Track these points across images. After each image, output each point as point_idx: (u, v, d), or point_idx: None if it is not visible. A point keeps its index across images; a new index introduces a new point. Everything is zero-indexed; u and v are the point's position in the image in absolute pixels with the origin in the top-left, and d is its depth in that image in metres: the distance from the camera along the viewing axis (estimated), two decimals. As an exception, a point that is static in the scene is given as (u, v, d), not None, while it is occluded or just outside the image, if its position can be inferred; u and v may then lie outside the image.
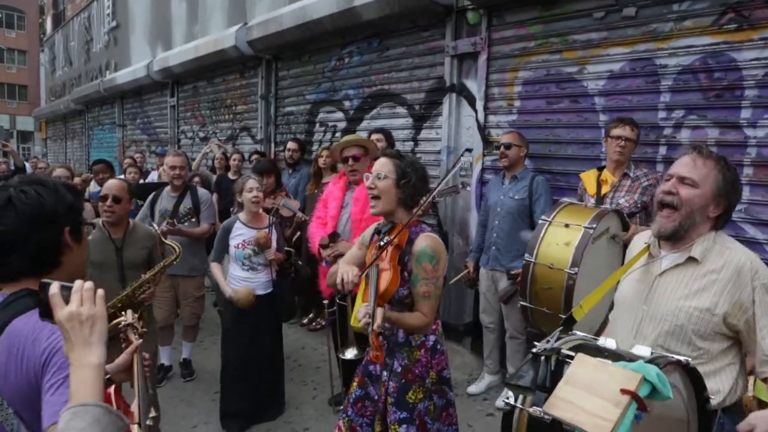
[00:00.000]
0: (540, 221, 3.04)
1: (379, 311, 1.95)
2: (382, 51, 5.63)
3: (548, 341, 1.64)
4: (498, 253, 3.93)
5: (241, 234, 3.69)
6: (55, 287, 1.13)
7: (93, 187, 6.04)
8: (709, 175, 1.77)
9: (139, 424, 1.62)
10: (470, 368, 4.59)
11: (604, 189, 3.36)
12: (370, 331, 1.90)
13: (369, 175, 2.29)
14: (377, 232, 2.33)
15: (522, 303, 3.06)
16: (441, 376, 2.34)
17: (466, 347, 4.82)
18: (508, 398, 1.62)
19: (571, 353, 1.58)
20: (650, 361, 1.51)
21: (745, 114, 3.25)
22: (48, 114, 20.37)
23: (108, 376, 1.65)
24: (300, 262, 4.05)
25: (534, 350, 1.60)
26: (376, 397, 2.39)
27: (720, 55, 3.33)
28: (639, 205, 3.24)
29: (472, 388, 4.19)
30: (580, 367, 1.55)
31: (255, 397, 3.71)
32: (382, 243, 2.19)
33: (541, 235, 2.95)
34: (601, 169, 3.47)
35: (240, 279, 3.68)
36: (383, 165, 2.26)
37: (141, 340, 1.83)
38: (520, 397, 1.60)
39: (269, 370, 3.79)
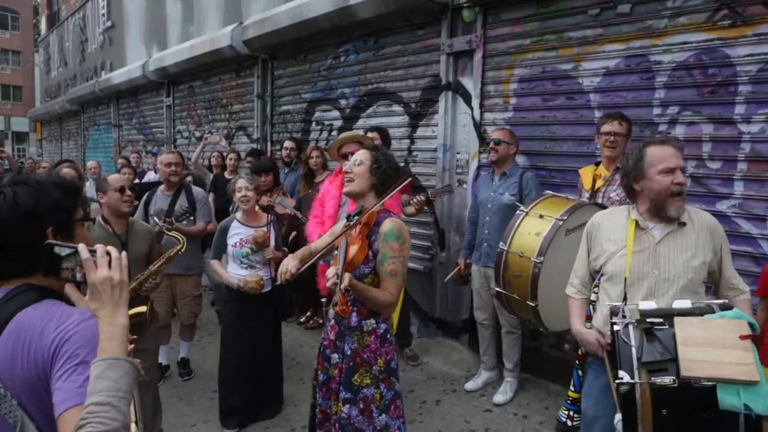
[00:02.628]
0: (518, 212, 3.11)
1: (347, 275, 2.13)
2: (377, 49, 5.64)
3: (624, 316, 1.87)
4: (490, 249, 3.92)
5: (238, 233, 3.70)
6: (85, 252, 1.22)
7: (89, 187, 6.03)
8: None
9: (137, 423, 1.65)
10: (467, 365, 4.61)
11: (598, 183, 3.40)
12: (337, 290, 2.07)
13: (347, 162, 2.53)
14: (348, 218, 2.48)
15: (497, 289, 3.12)
16: (389, 366, 2.45)
17: (463, 344, 4.84)
18: (621, 378, 1.77)
19: (659, 320, 1.81)
20: (697, 308, 1.89)
21: (739, 110, 3.27)
22: (43, 115, 20.28)
23: None
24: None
25: (616, 327, 1.85)
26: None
27: (714, 52, 3.35)
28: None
29: (469, 385, 4.21)
30: (687, 328, 1.75)
31: (254, 395, 3.72)
32: (351, 222, 2.37)
33: (516, 224, 3.05)
34: (598, 164, 3.51)
35: (239, 277, 3.67)
36: (360, 154, 2.52)
37: (132, 346, 1.88)
38: (636, 374, 1.76)
39: (268, 368, 3.80)
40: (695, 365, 1.65)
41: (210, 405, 3.96)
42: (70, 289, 1.28)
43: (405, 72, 5.34)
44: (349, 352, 2.42)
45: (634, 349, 1.79)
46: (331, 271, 2.15)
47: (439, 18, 4.87)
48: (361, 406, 2.38)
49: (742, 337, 1.66)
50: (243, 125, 8.02)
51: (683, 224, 2.19)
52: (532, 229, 2.97)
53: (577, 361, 2.69)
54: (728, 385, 1.63)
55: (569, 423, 2.71)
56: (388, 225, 2.36)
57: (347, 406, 2.39)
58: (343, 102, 6.13)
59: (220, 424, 3.67)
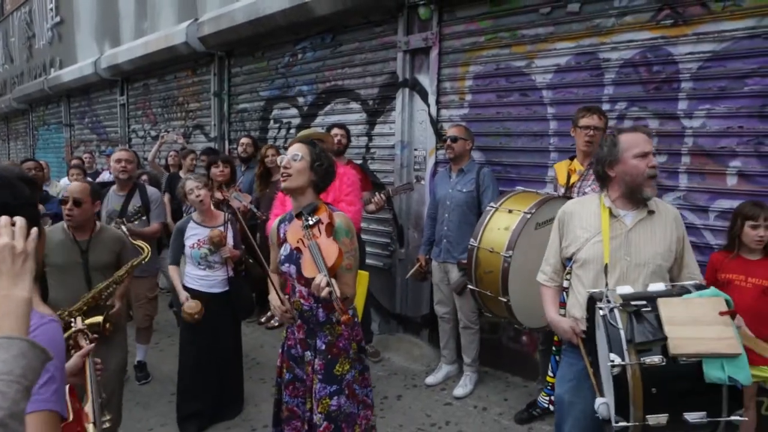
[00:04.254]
0: (487, 208, 3.12)
1: (334, 281, 2.08)
2: (335, 47, 5.62)
3: (608, 301, 1.95)
4: (449, 245, 3.98)
5: (195, 234, 3.63)
6: None
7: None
8: None
9: (95, 424, 1.67)
10: (428, 359, 4.65)
11: (573, 178, 3.37)
12: (335, 298, 2.03)
13: (285, 156, 2.40)
14: (298, 215, 2.35)
15: (470, 287, 3.14)
16: (360, 346, 2.54)
17: (423, 339, 4.88)
18: (613, 361, 1.80)
19: (643, 302, 1.88)
20: (674, 289, 1.99)
21: (682, 105, 3.40)
22: (-12, 114, 19.43)
23: None
24: (251, 260, 4.00)
25: (602, 312, 1.91)
26: (304, 377, 2.51)
27: (658, 50, 3.47)
28: None
29: (430, 379, 4.25)
30: (670, 308, 1.83)
31: (213, 396, 3.68)
32: (310, 222, 2.26)
33: (486, 220, 3.05)
34: (572, 158, 3.47)
35: (197, 278, 3.63)
36: (299, 148, 2.39)
37: (92, 345, 1.94)
38: (626, 356, 1.80)
39: (228, 368, 3.75)
40: (681, 342, 1.73)
41: (168, 408, 3.88)
42: None
43: (362, 69, 5.34)
44: (323, 347, 2.41)
45: (622, 332, 1.83)
46: (321, 280, 2.07)
47: (395, 15, 4.90)
48: (347, 392, 2.42)
49: (722, 313, 1.77)
50: (200, 124, 7.88)
51: (652, 212, 2.26)
52: (501, 224, 2.98)
53: (554, 347, 2.74)
54: (713, 359, 1.73)
55: (551, 407, 2.76)
56: (336, 221, 2.31)
57: (335, 398, 2.38)
58: (301, 100, 6.09)
59: (179, 429, 3.60)
